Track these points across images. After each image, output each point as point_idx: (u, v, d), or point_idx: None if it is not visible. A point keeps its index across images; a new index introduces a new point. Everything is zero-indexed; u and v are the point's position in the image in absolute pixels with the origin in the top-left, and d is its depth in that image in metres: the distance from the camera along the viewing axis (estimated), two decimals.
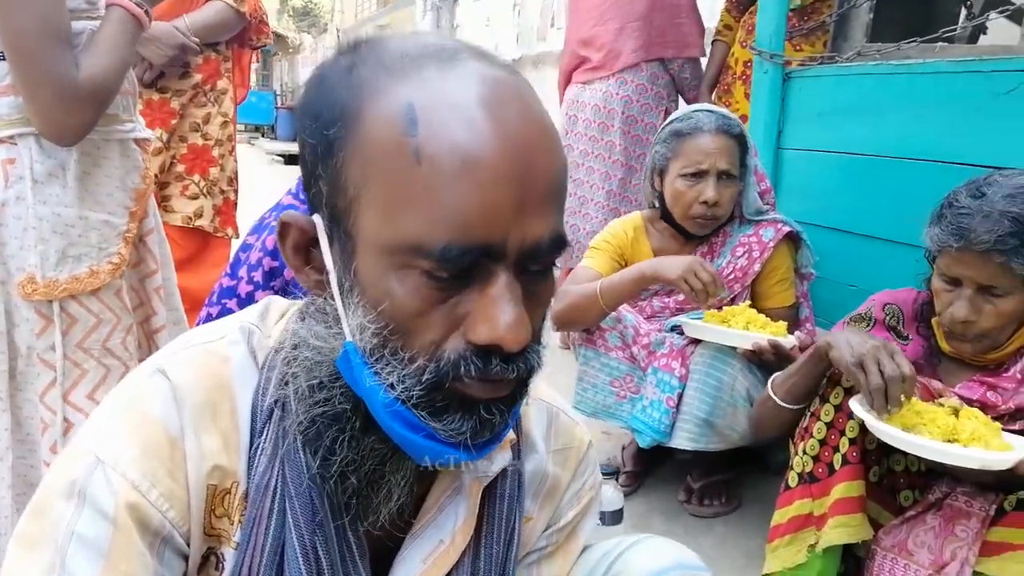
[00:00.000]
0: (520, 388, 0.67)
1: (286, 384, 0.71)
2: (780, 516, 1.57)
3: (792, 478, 1.57)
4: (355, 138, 0.62)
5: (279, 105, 18.05)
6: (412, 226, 0.59)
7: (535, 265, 0.63)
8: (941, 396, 1.51)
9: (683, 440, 1.93)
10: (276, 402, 0.72)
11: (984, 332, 1.43)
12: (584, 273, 2.11)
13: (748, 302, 2.05)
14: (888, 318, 1.66)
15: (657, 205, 2.16)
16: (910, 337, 1.63)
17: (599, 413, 2.11)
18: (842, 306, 2.12)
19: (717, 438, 1.93)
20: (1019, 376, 1.45)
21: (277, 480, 0.71)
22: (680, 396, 1.95)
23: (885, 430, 1.33)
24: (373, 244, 0.62)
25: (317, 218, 0.67)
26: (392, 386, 0.63)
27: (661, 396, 1.96)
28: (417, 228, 0.59)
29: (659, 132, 2.09)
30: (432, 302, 0.61)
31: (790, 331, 1.99)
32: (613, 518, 1.81)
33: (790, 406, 1.58)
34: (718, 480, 2.13)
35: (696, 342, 1.97)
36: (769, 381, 1.64)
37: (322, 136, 0.64)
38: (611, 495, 1.81)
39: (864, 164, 2.15)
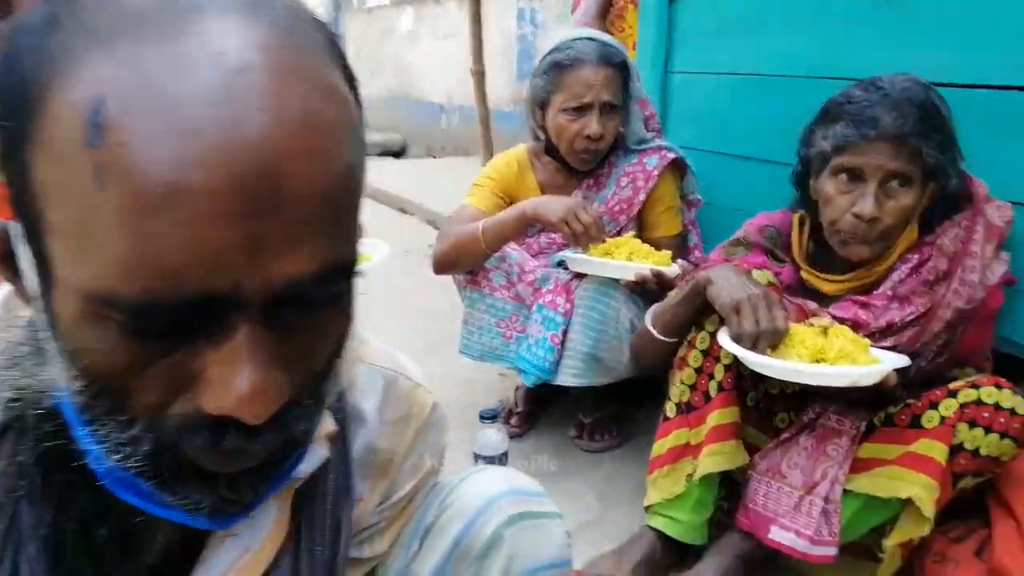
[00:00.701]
0: (281, 456, 0.53)
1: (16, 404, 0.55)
2: (659, 447, 1.55)
3: (670, 408, 1.54)
4: (37, 132, 0.44)
5: None
6: (98, 269, 0.43)
7: (297, 309, 0.48)
8: (815, 315, 1.50)
9: (568, 376, 1.89)
10: (6, 427, 0.56)
11: (887, 230, 1.40)
12: (465, 212, 2.01)
13: (631, 234, 1.99)
14: (765, 240, 1.62)
15: (541, 138, 2.06)
16: (786, 260, 1.61)
17: (486, 356, 2.04)
18: (731, 231, 2.09)
19: (603, 372, 1.89)
20: (889, 293, 1.45)
21: (7, 527, 0.56)
22: (565, 332, 1.89)
23: (752, 358, 1.30)
24: (64, 282, 0.46)
25: (12, 225, 0.49)
26: (112, 451, 0.49)
27: (546, 333, 1.90)
28: (105, 273, 0.43)
29: (539, 63, 1.97)
30: (142, 361, 0.46)
31: (678, 259, 1.95)
32: (497, 462, 1.75)
33: (668, 339, 1.54)
34: (608, 414, 2.10)
35: (581, 276, 1.90)
36: (648, 312, 1.59)
37: (2, 120, 0.46)
38: (494, 439, 1.75)
39: (750, 84, 2.10)
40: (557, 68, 1.91)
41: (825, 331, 1.37)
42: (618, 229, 2.04)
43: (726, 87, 2.18)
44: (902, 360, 1.29)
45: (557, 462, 2.00)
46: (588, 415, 2.10)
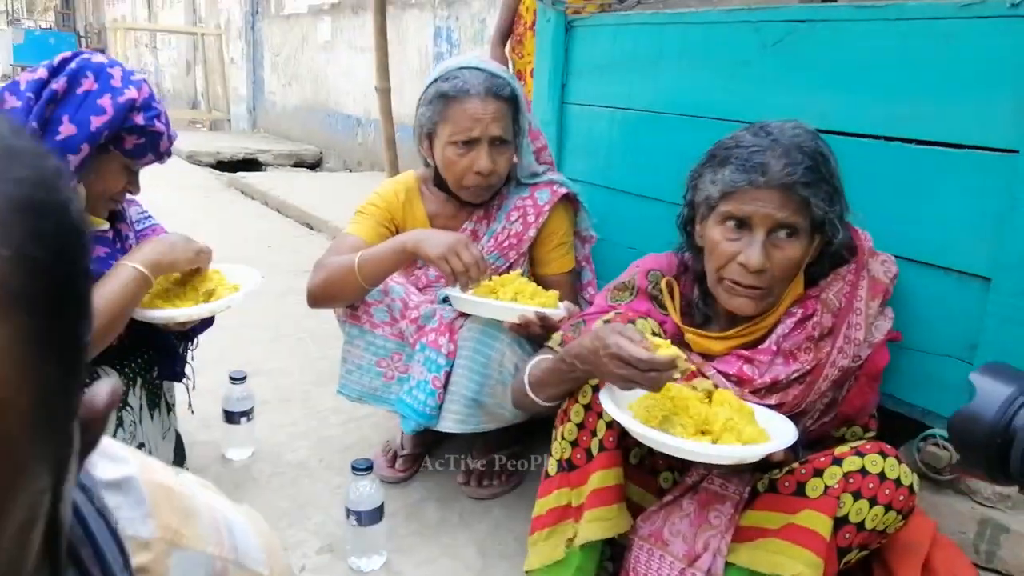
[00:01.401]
0: None
1: None
2: (540, 507, 1.44)
3: (552, 466, 1.44)
4: None
5: (82, 47, 16.16)
6: None
7: None
8: (701, 370, 1.43)
9: (451, 423, 1.77)
10: None
11: (773, 282, 1.34)
12: (345, 241, 1.87)
13: (520, 271, 1.90)
14: (651, 286, 1.55)
15: (431, 164, 1.94)
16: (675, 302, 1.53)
17: (365, 397, 1.90)
18: (624, 268, 2.02)
19: (487, 418, 1.78)
20: (774, 348, 1.39)
21: None
22: (448, 375, 1.77)
23: (636, 429, 1.22)
24: None
25: None
26: None
27: (427, 375, 1.78)
28: None
29: (424, 91, 1.86)
30: None
31: (564, 300, 1.87)
32: (369, 517, 1.62)
33: (547, 404, 1.45)
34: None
35: (467, 315, 1.79)
36: (527, 369, 1.49)
37: None
38: (367, 492, 1.62)
39: (642, 120, 2.05)
40: (443, 99, 1.80)
41: (709, 395, 1.30)
42: (507, 265, 1.94)
43: (620, 121, 2.13)
44: (789, 436, 1.23)
45: (441, 512, 1.88)
46: (477, 458, 1.99)
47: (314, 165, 7.98)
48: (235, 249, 4.34)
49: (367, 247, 1.81)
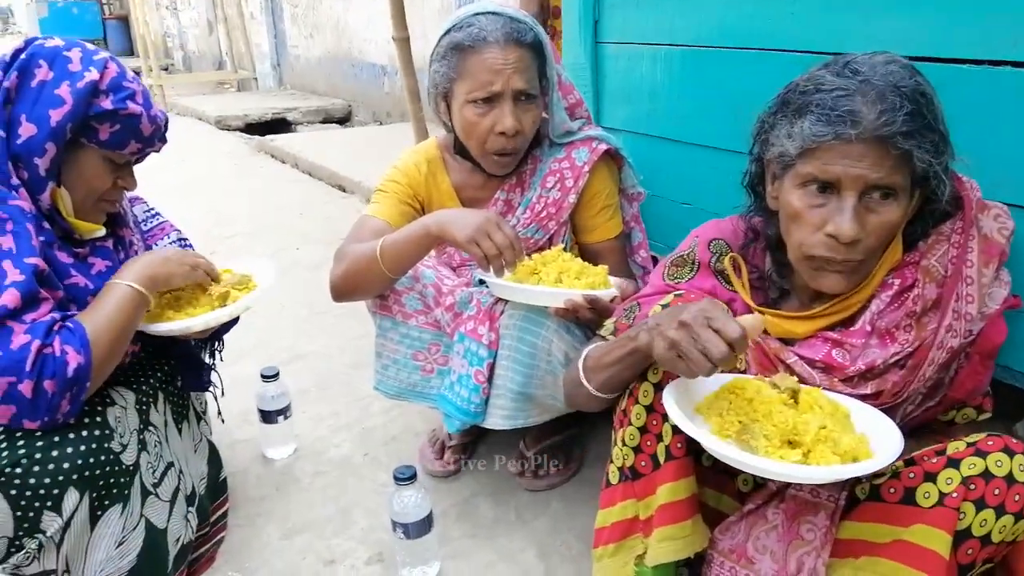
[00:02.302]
0: None
1: None
2: (603, 519, 1.29)
3: (612, 473, 1.27)
4: None
5: (106, 15, 16.02)
6: None
7: None
8: (779, 357, 1.23)
9: (498, 419, 1.61)
10: None
11: (869, 253, 1.13)
12: (367, 225, 1.69)
13: (563, 243, 1.71)
14: (715, 258, 1.34)
15: (451, 128, 1.74)
16: (743, 280, 1.33)
17: (404, 393, 1.76)
18: (679, 227, 1.80)
19: (537, 411, 1.62)
20: (868, 328, 1.18)
21: None
22: (491, 367, 1.61)
23: (712, 446, 1.04)
24: None
25: None
26: None
27: (469, 369, 1.62)
28: None
29: (436, 44, 1.64)
30: None
31: (618, 264, 1.68)
32: (417, 529, 1.49)
33: (605, 395, 1.26)
34: (555, 443, 1.84)
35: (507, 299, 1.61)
36: (581, 358, 1.31)
37: None
38: (413, 503, 1.49)
39: (689, 57, 1.79)
40: (457, 51, 1.58)
41: (795, 395, 1.10)
42: (548, 237, 1.74)
43: (663, 60, 1.87)
44: (895, 446, 1.03)
45: (495, 509, 1.74)
46: (531, 446, 1.84)
47: (343, 120, 7.77)
48: (266, 218, 4.22)
49: (391, 230, 1.63)
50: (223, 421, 1.80)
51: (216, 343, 1.75)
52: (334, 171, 4.86)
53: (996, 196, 1.20)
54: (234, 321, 1.68)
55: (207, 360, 1.73)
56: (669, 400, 1.11)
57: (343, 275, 1.61)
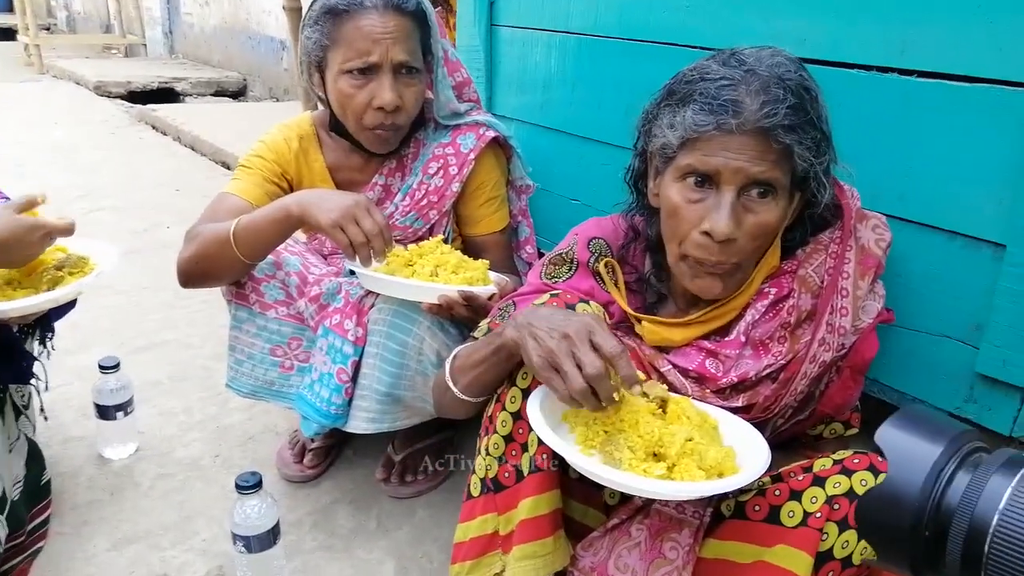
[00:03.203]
0: None
1: None
2: (462, 533, 1.19)
3: (474, 485, 1.18)
4: None
5: None
6: None
7: None
8: (653, 365, 1.17)
9: (361, 422, 1.49)
10: None
11: (745, 256, 1.07)
12: (223, 203, 1.53)
13: (443, 234, 1.60)
14: (594, 258, 1.27)
15: (324, 106, 1.59)
16: (617, 283, 1.26)
17: (260, 392, 1.60)
18: (568, 223, 1.73)
19: (405, 414, 1.51)
20: (742, 339, 1.13)
21: None
22: (356, 365, 1.48)
23: (573, 459, 0.97)
24: None
25: None
26: None
27: (332, 367, 1.48)
28: None
29: (308, 8, 1.49)
30: None
31: (502, 260, 1.60)
32: (260, 543, 1.35)
33: (472, 399, 1.17)
34: (427, 446, 1.73)
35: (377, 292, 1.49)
36: (449, 359, 1.20)
37: None
38: (255, 514, 1.35)
39: (586, 47, 1.72)
40: (331, 16, 1.44)
41: (663, 404, 1.04)
42: (428, 227, 1.63)
43: (560, 48, 1.79)
44: (761, 461, 0.98)
45: (356, 518, 1.62)
46: (400, 449, 1.72)
47: (237, 94, 7.37)
48: (139, 193, 3.91)
49: (251, 211, 1.48)
50: (46, 419, 1.60)
51: (46, 331, 1.54)
52: (219, 147, 4.56)
53: (876, 206, 1.18)
54: (69, 306, 1.48)
55: (36, 351, 1.52)
56: (534, 407, 1.03)
57: (191, 257, 1.45)
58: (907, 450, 0.58)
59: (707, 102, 1.02)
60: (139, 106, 6.13)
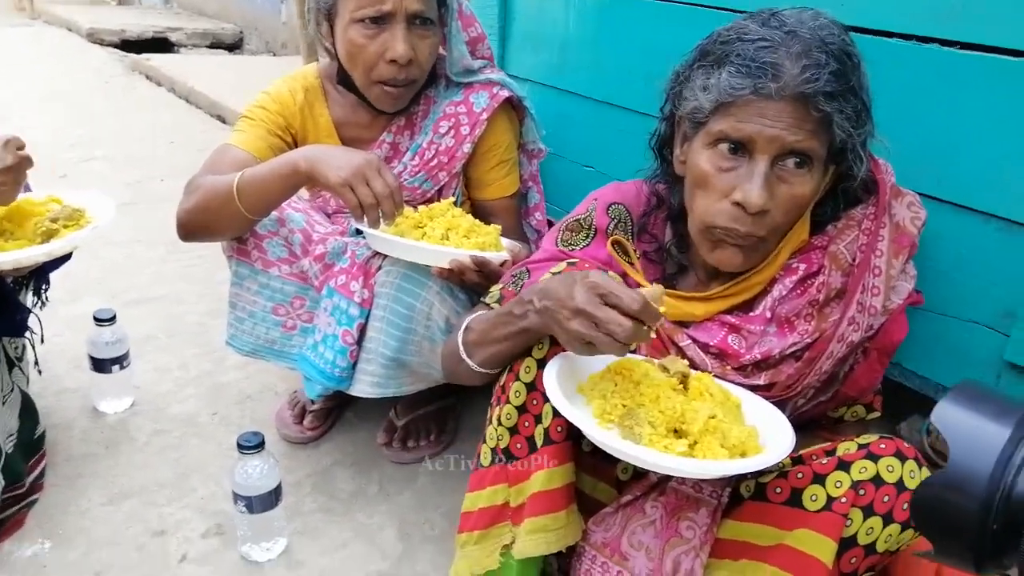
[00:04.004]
0: None
1: None
2: (471, 502, 1.16)
3: (484, 454, 1.14)
4: None
5: None
6: None
7: None
8: (672, 339, 1.13)
9: (366, 386, 1.45)
10: None
11: (774, 228, 1.03)
12: (226, 155, 1.47)
13: (453, 196, 1.55)
14: (613, 224, 1.22)
15: (333, 54, 1.53)
16: (636, 254, 1.22)
17: (260, 351, 1.56)
18: (579, 191, 1.68)
19: (410, 379, 1.47)
20: (767, 315, 1.09)
21: None
22: (362, 328, 1.44)
23: (593, 433, 0.93)
24: None
25: None
26: None
27: (336, 329, 1.44)
28: None
29: None
30: None
31: (511, 226, 1.56)
32: (262, 503, 1.33)
33: (487, 371, 1.13)
34: (428, 412, 1.70)
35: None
36: (461, 330, 1.16)
37: None
38: (257, 475, 1.32)
39: (611, 5, 1.65)
40: None
41: (684, 380, 1.00)
42: (436, 189, 1.57)
43: (579, 5, 1.72)
44: (786, 443, 0.95)
45: (356, 481, 1.59)
46: (402, 415, 1.69)
47: (233, 46, 7.20)
48: (132, 144, 3.82)
49: (255, 164, 1.42)
50: (40, 372, 1.55)
51: (40, 283, 1.49)
52: (215, 100, 4.45)
53: (908, 184, 1.14)
54: (64, 258, 1.43)
55: (30, 302, 1.47)
56: (550, 378, 0.99)
57: (192, 209, 1.39)
58: (970, 433, 0.55)
59: (744, 64, 0.97)
60: (133, 55, 5.98)
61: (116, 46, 6.73)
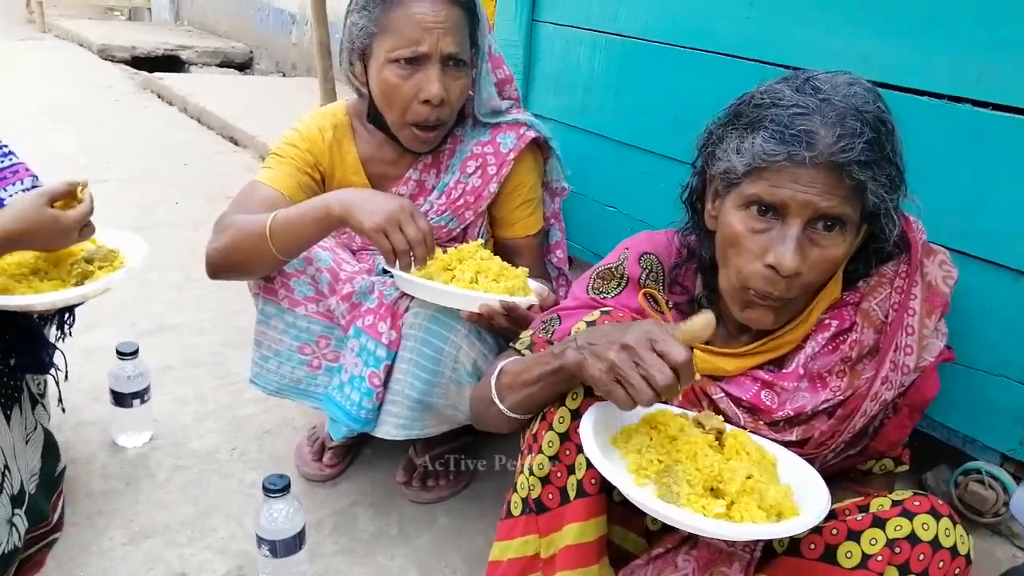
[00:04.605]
0: None
1: None
2: (500, 552, 1.16)
3: (515, 504, 1.14)
4: None
5: None
6: None
7: None
8: (704, 391, 1.14)
9: (391, 428, 1.45)
10: None
11: (805, 288, 1.04)
12: (256, 194, 1.48)
13: (480, 236, 1.56)
14: (645, 274, 1.23)
15: (365, 93, 1.54)
16: (670, 303, 1.22)
17: (285, 390, 1.56)
18: (601, 231, 1.71)
19: (435, 421, 1.47)
20: (800, 372, 1.10)
21: None
22: (389, 369, 1.44)
23: (634, 494, 0.93)
24: None
25: None
26: None
27: (364, 370, 1.45)
28: None
29: None
30: None
31: (535, 264, 1.57)
32: (286, 547, 1.32)
33: (520, 416, 1.13)
34: (448, 451, 1.70)
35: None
36: (495, 374, 1.16)
37: None
38: (282, 518, 1.32)
39: (633, 50, 1.67)
40: (381, 3, 1.40)
41: (720, 436, 1.01)
42: (462, 227, 1.59)
43: (605, 49, 1.74)
44: (822, 503, 0.95)
45: (376, 521, 1.59)
46: (422, 454, 1.69)
47: (243, 66, 7.25)
48: (145, 164, 3.84)
49: (285, 202, 1.44)
50: (63, 410, 1.55)
51: (66, 316, 1.50)
52: (227, 121, 4.48)
53: (938, 239, 1.15)
54: None
55: (53, 336, 1.47)
56: (586, 430, 1.00)
57: (224, 250, 1.40)
58: None
59: (779, 131, 0.98)
60: (145, 73, 6.02)
61: (126, 62, 6.78)
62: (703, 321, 0.94)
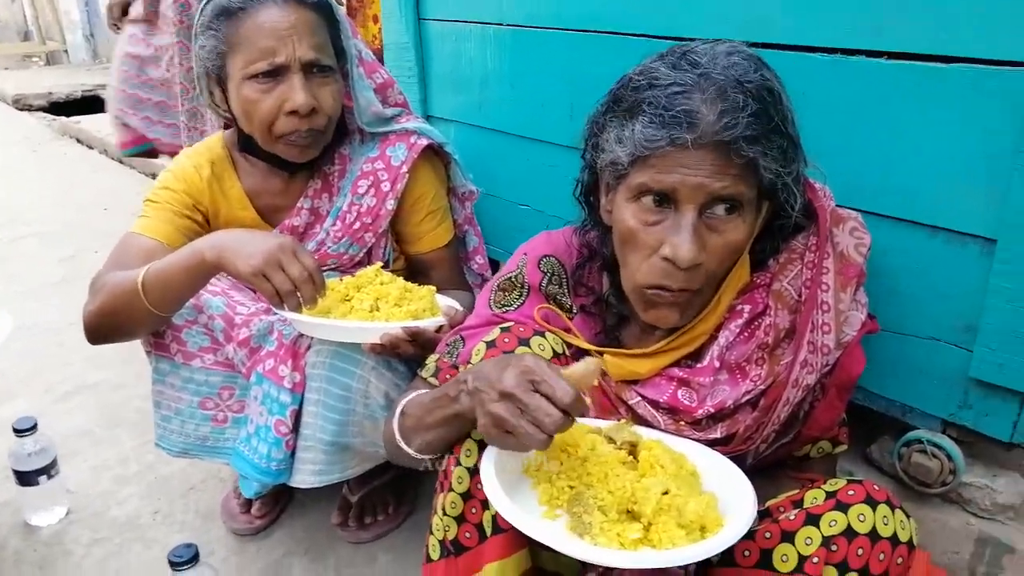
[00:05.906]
0: None
1: None
2: None
3: (433, 547, 1.05)
4: None
5: None
6: None
7: None
8: (620, 397, 1.06)
9: (307, 475, 1.35)
10: None
11: (709, 279, 0.97)
12: (133, 245, 1.37)
13: (384, 257, 1.46)
14: (547, 279, 1.14)
15: (233, 123, 1.43)
16: (574, 309, 1.14)
17: (192, 450, 1.45)
18: (518, 230, 1.62)
19: (355, 460, 1.38)
20: (716, 364, 1.02)
21: None
22: (296, 414, 1.34)
23: (539, 534, 0.84)
24: None
25: None
26: None
27: (269, 419, 1.34)
28: None
29: (199, 14, 1.33)
30: None
31: (451, 276, 1.48)
32: None
33: (431, 456, 1.04)
34: (384, 483, 1.60)
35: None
36: (396, 414, 1.07)
37: None
38: None
39: (526, 39, 1.58)
40: (226, 18, 1.29)
41: (634, 449, 0.93)
42: (365, 251, 1.48)
43: (496, 41, 1.65)
44: (748, 509, 0.87)
45: (311, 569, 1.48)
46: (356, 490, 1.59)
47: None
48: (65, 214, 3.67)
49: (164, 251, 1.32)
50: None
51: None
52: (151, 160, 4.30)
53: (849, 202, 1.08)
54: None
55: None
56: (488, 470, 0.91)
57: (97, 312, 1.29)
58: None
59: (658, 114, 0.90)
60: (63, 118, 5.80)
61: (45, 109, 6.54)
62: (584, 368, 0.86)
